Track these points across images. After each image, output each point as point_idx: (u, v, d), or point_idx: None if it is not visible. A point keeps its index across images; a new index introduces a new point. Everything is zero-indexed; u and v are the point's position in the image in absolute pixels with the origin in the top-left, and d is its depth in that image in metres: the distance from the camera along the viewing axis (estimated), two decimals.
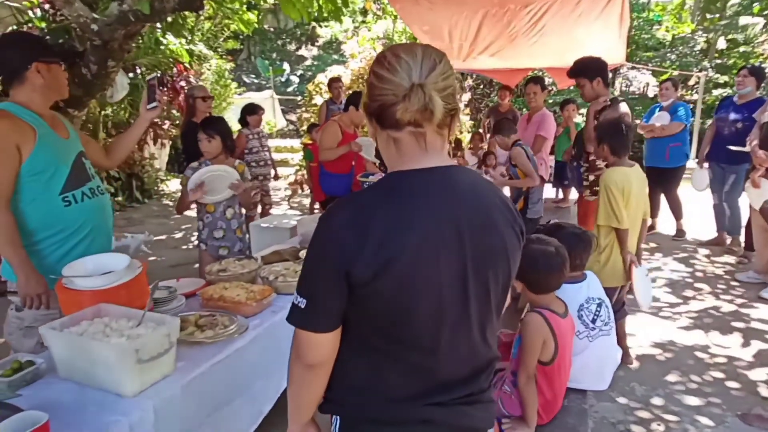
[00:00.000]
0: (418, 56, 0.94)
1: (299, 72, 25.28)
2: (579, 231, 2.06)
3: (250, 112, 5.21)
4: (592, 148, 3.32)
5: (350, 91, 9.86)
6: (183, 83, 7.32)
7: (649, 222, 3.09)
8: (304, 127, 10.19)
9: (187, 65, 7.01)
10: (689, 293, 3.90)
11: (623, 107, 3.29)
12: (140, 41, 6.17)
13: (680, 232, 5.26)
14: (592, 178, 3.46)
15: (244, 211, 3.07)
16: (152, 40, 6.32)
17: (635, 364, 2.86)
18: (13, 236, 1.79)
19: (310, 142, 6.05)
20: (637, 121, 5.51)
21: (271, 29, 29.35)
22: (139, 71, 6.54)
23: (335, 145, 3.94)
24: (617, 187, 2.65)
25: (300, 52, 28.58)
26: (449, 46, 6.69)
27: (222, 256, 2.88)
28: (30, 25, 5.75)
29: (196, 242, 4.44)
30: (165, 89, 6.97)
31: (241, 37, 28.34)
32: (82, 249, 1.92)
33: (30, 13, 5.78)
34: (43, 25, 5.66)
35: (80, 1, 4.88)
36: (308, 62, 26.94)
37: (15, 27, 5.90)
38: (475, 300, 0.97)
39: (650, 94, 18.76)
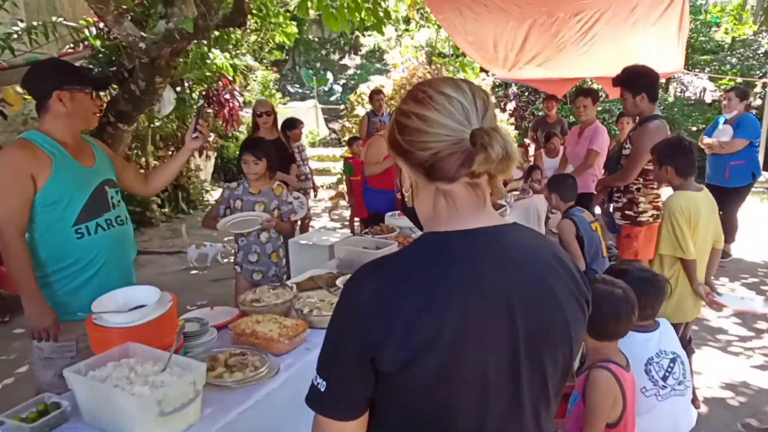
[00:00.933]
0: (469, 94, 0.80)
1: (342, 81, 25.51)
2: (649, 274, 1.84)
3: (291, 126, 5.20)
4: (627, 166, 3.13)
5: (392, 102, 9.81)
6: (228, 96, 7.44)
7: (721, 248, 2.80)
8: (347, 138, 10.22)
9: (231, 78, 7.11)
10: (762, 325, 3.56)
11: (655, 126, 3.04)
12: (187, 56, 6.31)
13: (725, 254, 4.87)
14: (625, 200, 3.22)
15: (280, 235, 3.00)
16: (199, 54, 6.45)
17: (703, 409, 2.60)
18: (24, 266, 1.78)
19: (350, 155, 6.01)
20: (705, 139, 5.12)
21: (315, 39, 29.91)
22: (186, 85, 6.68)
23: (380, 160, 3.85)
24: (682, 214, 2.41)
25: (343, 61, 28.89)
26: (494, 56, 6.50)
27: (256, 280, 2.82)
28: (85, 42, 5.98)
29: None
30: (207, 105, 7.10)
31: (285, 47, 29.03)
32: (96, 282, 1.89)
33: (86, 31, 6.02)
34: (98, 42, 5.87)
35: (129, 20, 5.02)
36: (351, 71, 27.18)
37: (72, 45, 6.16)
38: (529, 387, 0.81)
39: (707, 100, 17.84)
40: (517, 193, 4.44)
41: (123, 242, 2.05)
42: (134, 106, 5.39)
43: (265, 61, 18.94)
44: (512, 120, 9.88)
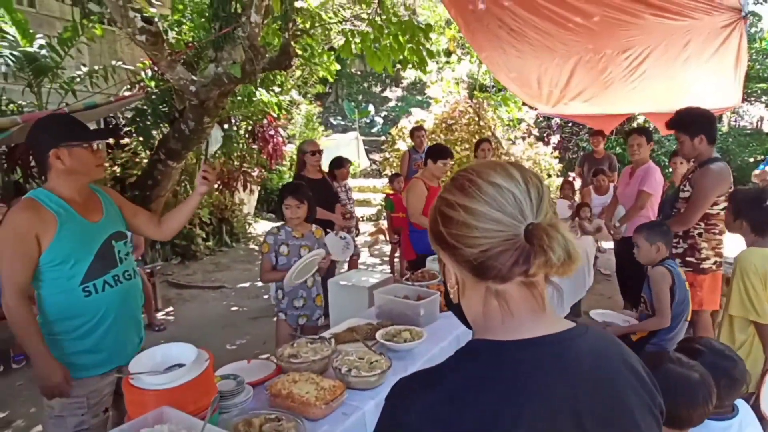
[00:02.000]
0: (522, 183, 0.73)
1: (383, 113, 25.91)
2: (729, 362, 1.60)
3: (338, 165, 5.21)
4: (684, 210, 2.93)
5: (433, 137, 9.80)
6: (272, 132, 7.62)
7: None
8: (387, 172, 10.24)
9: (276, 115, 7.30)
10: None
11: (718, 169, 2.86)
12: (235, 96, 6.53)
13: None
14: (685, 245, 3.01)
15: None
16: (246, 93, 6.67)
17: None
18: (27, 327, 1.78)
19: (391, 192, 5.98)
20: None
21: (358, 72, 30.67)
22: (233, 122, 6.89)
23: (423, 204, 3.79)
24: (757, 273, 2.22)
25: (385, 94, 29.41)
26: (537, 93, 6.41)
27: (301, 324, 2.80)
28: (142, 83, 6.30)
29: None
30: (253, 141, 7.29)
31: (328, 81, 29.80)
32: (105, 339, 1.91)
33: (142, 73, 6.35)
34: (153, 84, 6.18)
35: (182, 63, 5.24)
36: (392, 103, 27.60)
37: (129, 86, 6.49)
38: None
39: (766, 129, 16.99)
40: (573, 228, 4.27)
41: (130, 297, 2.05)
42: (183, 145, 5.60)
43: (309, 95, 19.54)
44: (556, 153, 9.66)
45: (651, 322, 2.67)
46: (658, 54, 4.95)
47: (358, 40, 4.81)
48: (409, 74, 28.04)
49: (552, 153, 9.66)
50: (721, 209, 2.97)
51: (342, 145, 20.04)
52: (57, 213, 1.85)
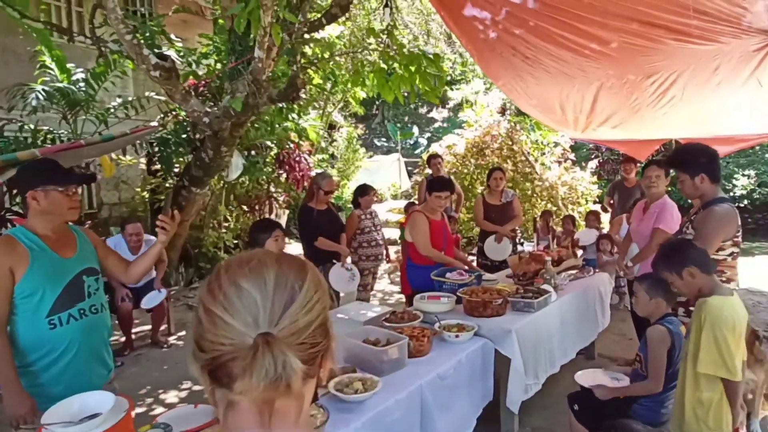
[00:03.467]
0: (269, 284, 0.66)
1: (428, 134, 25.94)
2: None
3: (363, 193, 5.18)
4: None
5: (466, 161, 9.65)
6: (298, 158, 7.75)
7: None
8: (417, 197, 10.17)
9: (300, 142, 7.43)
10: None
11: (724, 212, 2.60)
12: (256, 124, 6.72)
13: None
14: None
15: None
16: (269, 122, 6.84)
17: None
18: (1, 356, 1.88)
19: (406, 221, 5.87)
20: None
21: (405, 93, 30.92)
22: (260, 150, 7.07)
23: (429, 236, 3.69)
24: (729, 327, 2.00)
25: (430, 115, 29.47)
26: (563, 118, 6.18)
27: None
28: (173, 112, 6.60)
29: None
30: (279, 167, 7.44)
31: (376, 102, 30.33)
32: (70, 370, 1.99)
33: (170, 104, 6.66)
34: (183, 113, 6.46)
35: (203, 95, 5.44)
36: (437, 124, 27.59)
37: (162, 116, 6.82)
38: None
39: None
40: (574, 272, 4.02)
41: (95, 330, 2.14)
42: (204, 172, 5.80)
43: (354, 116, 19.90)
44: (594, 179, 9.27)
45: (641, 387, 2.43)
46: (686, 79, 4.65)
47: (368, 70, 4.82)
48: (455, 95, 28.13)
49: (591, 178, 9.27)
50: (728, 255, 2.70)
51: (384, 166, 20.22)
52: (30, 248, 1.99)
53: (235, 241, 7.33)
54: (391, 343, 2.53)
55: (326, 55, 5.62)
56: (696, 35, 3.92)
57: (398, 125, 26.45)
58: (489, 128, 9.32)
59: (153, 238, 4.44)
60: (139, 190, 6.52)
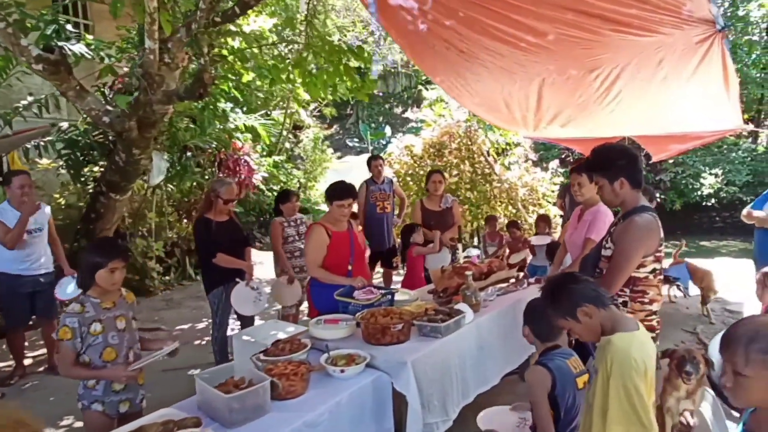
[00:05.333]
0: None
1: (401, 134, 25.56)
2: None
3: (283, 199, 4.74)
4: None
5: (424, 162, 9.27)
6: (238, 160, 7.29)
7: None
8: None
9: (241, 143, 6.97)
10: None
11: (644, 223, 2.26)
12: (191, 125, 6.25)
13: None
14: None
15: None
16: (207, 121, 6.36)
17: None
18: None
19: None
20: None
21: (380, 94, 30.59)
22: (191, 151, 6.60)
23: (322, 253, 3.28)
24: (640, 372, 1.64)
25: (406, 115, 29.10)
26: (510, 117, 5.84)
27: (123, 413, 2.33)
28: None
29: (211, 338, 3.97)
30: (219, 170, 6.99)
31: (351, 103, 29.93)
32: None
33: None
34: None
35: (122, 93, 4.93)
36: (412, 124, 27.26)
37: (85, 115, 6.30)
38: None
39: None
40: (505, 286, 3.64)
41: None
42: (121, 177, 5.31)
43: (328, 118, 19.42)
44: (557, 179, 8.97)
45: None
46: (631, 73, 4.32)
47: (288, 64, 4.40)
48: (430, 95, 27.93)
49: (552, 179, 8.99)
50: (650, 272, 2.35)
51: (355, 167, 19.76)
52: None
53: (170, 249, 6.84)
54: (253, 384, 2.12)
55: (255, 49, 5.17)
56: (636, 26, 3.60)
57: (372, 125, 26.09)
58: (447, 128, 8.96)
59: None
60: (57, 196, 6.01)
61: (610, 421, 1.64)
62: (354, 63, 4.25)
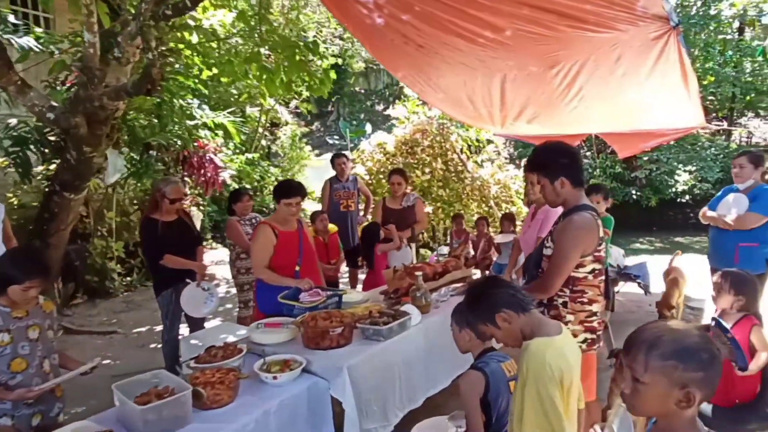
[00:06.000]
0: None
1: (380, 132, 25.49)
2: None
3: (236, 198, 4.60)
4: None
5: (397, 159, 9.19)
6: (211, 157, 7.13)
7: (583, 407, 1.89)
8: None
9: (205, 140, 6.81)
10: None
11: (582, 221, 2.21)
12: (152, 121, 6.07)
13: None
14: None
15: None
16: (170, 118, 6.18)
17: None
18: None
19: (313, 235, 4.73)
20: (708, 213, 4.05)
21: (362, 91, 30.40)
22: (152, 148, 6.43)
23: (268, 254, 3.18)
24: (554, 380, 1.57)
25: (387, 112, 29.01)
26: (476, 113, 5.78)
27: (35, 427, 2.20)
28: None
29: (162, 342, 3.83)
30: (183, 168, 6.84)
31: (332, 100, 29.68)
32: None
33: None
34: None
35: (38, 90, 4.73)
36: (393, 121, 27.18)
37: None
38: None
39: None
40: (459, 285, 3.57)
41: None
42: (74, 176, 5.12)
43: (309, 114, 19.16)
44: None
45: None
46: (590, 70, 4.29)
47: (240, 59, 4.27)
48: (412, 92, 27.65)
49: (524, 176, 8.94)
50: (589, 272, 2.29)
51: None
52: None
53: (132, 249, 6.67)
54: (177, 392, 2.02)
55: (213, 44, 5.02)
56: (592, 22, 3.55)
57: (354, 123, 25.94)
58: (420, 125, 8.89)
59: None
60: (10, 195, 5.80)
61: (524, 429, 1.58)
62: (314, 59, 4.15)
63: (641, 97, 4.73)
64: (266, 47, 4.19)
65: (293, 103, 17.64)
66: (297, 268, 3.24)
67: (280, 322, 2.81)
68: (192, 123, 6.79)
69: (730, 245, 3.56)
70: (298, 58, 4.02)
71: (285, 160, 16.31)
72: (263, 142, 15.11)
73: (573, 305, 2.30)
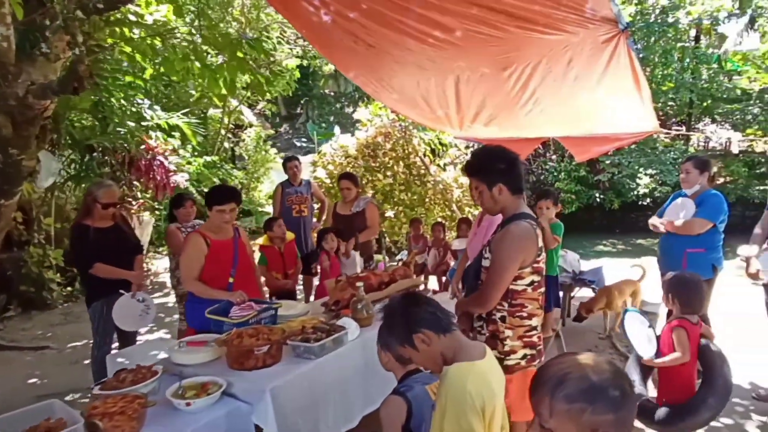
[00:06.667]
0: None
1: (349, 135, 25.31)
2: None
3: (177, 204, 4.34)
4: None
5: (359, 163, 9.01)
6: (161, 160, 6.81)
7: None
8: None
9: (155, 142, 6.51)
10: None
11: (520, 231, 2.09)
12: (92, 122, 5.76)
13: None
14: (487, 333, 2.23)
15: None
16: (114, 120, 5.86)
17: None
18: None
19: (268, 244, 4.55)
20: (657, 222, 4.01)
21: (331, 93, 30.10)
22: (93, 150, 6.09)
23: (199, 264, 2.97)
24: (474, 409, 1.43)
25: (357, 115, 28.85)
26: (432, 115, 5.66)
27: None
28: None
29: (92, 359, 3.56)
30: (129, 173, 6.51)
31: (301, 102, 29.26)
32: None
33: None
34: None
35: None
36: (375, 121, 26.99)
37: None
38: None
39: (734, 150, 16.49)
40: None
41: None
42: (3, 180, 4.77)
43: (278, 116, 18.72)
44: None
45: None
46: (543, 73, 4.20)
47: (179, 56, 4.02)
48: None
49: None
50: (528, 284, 2.17)
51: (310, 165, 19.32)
52: None
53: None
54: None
55: (156, 41, 4.74)
56: (542, 23, 3.45)
57: (323, 125, 25.67)
58: (382, 128, 8.74)
59: None
60: None
61: None
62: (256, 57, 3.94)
63: (595, 100, 4.68)
64: (207, 45, 3.95)
65: (261, 105, 17.30)
66: (231, 280, 3.03)
67: (204, 341, 2.60)
68: (144, 124, 6.50)
69: (679, 251, 3.52)
70: (240, 55, 3.80)
71: (249, 162, 15.95)
72: (226, 145, 14.72)
73: (512, 320, 2.17)
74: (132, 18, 4.63)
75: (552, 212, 3.71)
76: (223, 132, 14.18)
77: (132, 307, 3.48)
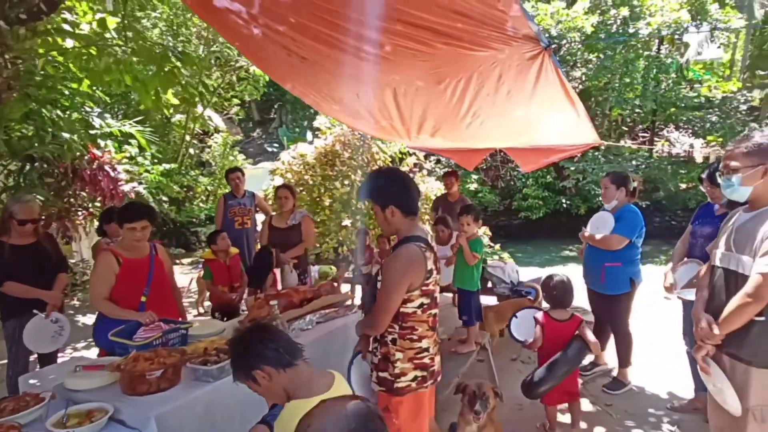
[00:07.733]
0: None
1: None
2: None
3: (107, 219, 4.24)
4: None
5: (317, 171, 8.97)
6: (108, 169, 6.67)
7: None
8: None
9: (98, 152, 6.37)
10: None
11: (408, 255, 2.10)
12: (31, 131, 5.60)
13: (618, 383, 3.78)
14: (379, 356, 2.23)
15: None
16: (56, 127, 5.71)
17: None
18: None
19: (211, 257, 4.47)
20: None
21: None
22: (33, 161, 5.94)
23: (109, 283, 2.91)
24: None
25: (316, 123, 28.67)
26: (378, 126, 5.67)
27: None
28: None
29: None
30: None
31: (274, 107, 29.03)
32: None
33: None
34: None
35: None
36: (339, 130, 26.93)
37: None
38: None
39: (698, 159, 16.89)
40: (328, 312, 3.39)
41: None
42: None
43: (251, 121, 18.48)
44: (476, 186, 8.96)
45: None
46: (476, 87, 4.23)
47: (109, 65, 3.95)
48: None
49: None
50: (417, 307, 2.17)
51: (269, 172, 19.18)
52: None
53: None
54: None
55: (93, 51, 4.63)
56: (467, 40, 3.47)
57: (296, 130, 25.52)
58: (340, 136, 8.73)
59: None
60: None
61: None
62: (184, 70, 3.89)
63: (530, 114, 4.74)
64: (136, 57, 3.89)
65: (235, 110, 17.13)
66: (143, 299, 2.97)
67: (101, 365, 2.54)
68: (93, 132, 6.38)
69: (597, 265, 3.58)
70: (167, 68, 3.75)
71: (216, 168, 15.77)
72: (192, 151, 14.53)
73: (402, 342, 2.17)
74: (67, 27, 4.54)
75: (473, 228, 3.74)
76: (188, 138, 13.99)
77: (45, 328, 3.39)
